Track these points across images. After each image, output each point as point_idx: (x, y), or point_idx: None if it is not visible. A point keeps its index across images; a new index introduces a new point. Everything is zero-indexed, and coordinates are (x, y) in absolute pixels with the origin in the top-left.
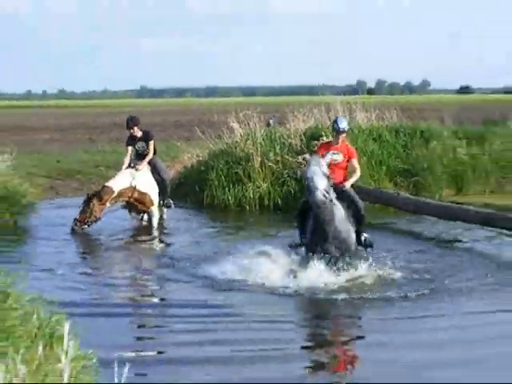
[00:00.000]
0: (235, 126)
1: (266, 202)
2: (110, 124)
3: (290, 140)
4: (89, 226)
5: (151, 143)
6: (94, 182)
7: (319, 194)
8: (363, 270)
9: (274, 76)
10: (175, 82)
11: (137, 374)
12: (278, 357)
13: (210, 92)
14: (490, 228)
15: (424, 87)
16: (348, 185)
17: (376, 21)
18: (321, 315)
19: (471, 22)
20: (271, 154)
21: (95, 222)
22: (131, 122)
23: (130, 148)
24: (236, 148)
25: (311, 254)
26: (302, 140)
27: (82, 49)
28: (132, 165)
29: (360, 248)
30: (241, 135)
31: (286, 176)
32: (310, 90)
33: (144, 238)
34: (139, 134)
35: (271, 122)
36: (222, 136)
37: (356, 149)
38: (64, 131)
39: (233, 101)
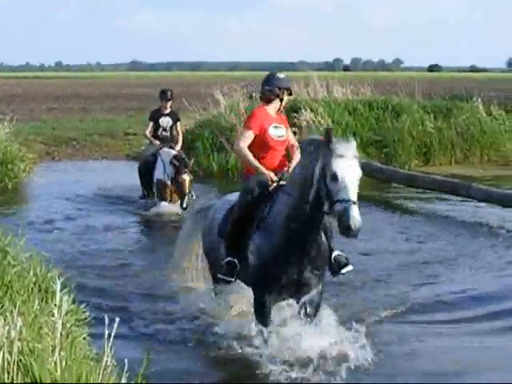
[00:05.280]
0: (220, 98)
1: None
2: (103, 95)
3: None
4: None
5: (179, 124)
6: (88, 148)
7: None
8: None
9: (258, 53)
10: (164, 57)
11: (126, 327)
12: None
13: (196, 66)
14: None
15: (397, 65)
16: None
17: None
18: None
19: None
20: None
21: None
22: (171, 94)
23: (151, 123)
24: (221, 119)
25: (265, 296)
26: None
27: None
28: (162, 146)
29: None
30: (225, 107)
31: None
32: (290, 66)
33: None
34: (168, 110)
35: (254, 94)
36: (208, 107)
37: (333, 122)
38: (60, 101)
39: (218, 75)
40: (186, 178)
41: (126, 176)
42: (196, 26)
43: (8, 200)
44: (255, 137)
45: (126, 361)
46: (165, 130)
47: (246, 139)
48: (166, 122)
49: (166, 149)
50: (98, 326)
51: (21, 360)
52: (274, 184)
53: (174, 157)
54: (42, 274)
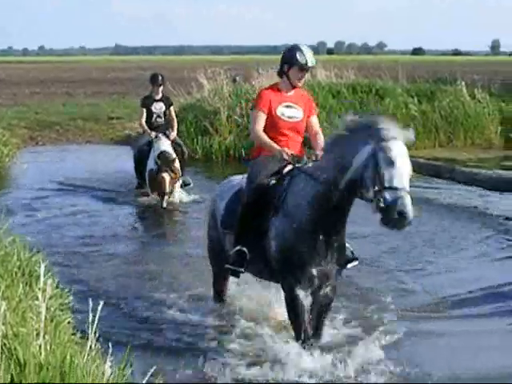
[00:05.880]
0: (204, 82)
1: (232, 153)
2: (87, 79)
3: (254, 95)
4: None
5: (173, 109)
6: (72, 133)
7: None
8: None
9: (241, 36)
10: (148, 40)
11: (110, 309)
12: None
13: (180, 50)
14: None
15: (380, 48)
16: None
17: None
18: None
19: None
20: (237, 109)
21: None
22: (162, 78)
23: (144, 109)
24: (204, 102)
25: (295, 287)
26: None
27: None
28: (157, 135)
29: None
30: (209, 91)
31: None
32: (275, 50)
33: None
34: (159, 95)
35: (237, 78)
36: (192, 91)
37: (316, 105)
38: (43, 86)
39: (202, 59)
40: (166, 176)
41: (110, 160)
42: (181, 9)
43: None
44: (266, 118)
45: (110, 344)
46: (159, 116)
47: (258, 121)
48: (158, 107)
49: (161, 138)
50: (83, 311)
51: (5, 344)
52: (290, 163)
53: (159, 154)
54: (26, 258)
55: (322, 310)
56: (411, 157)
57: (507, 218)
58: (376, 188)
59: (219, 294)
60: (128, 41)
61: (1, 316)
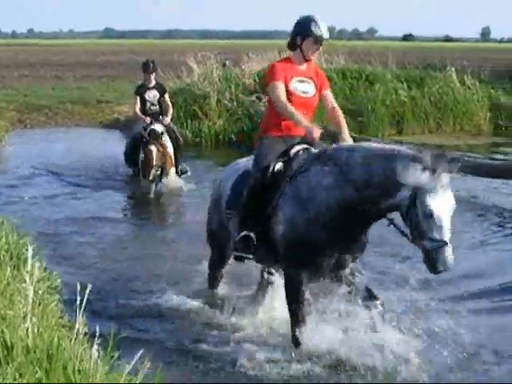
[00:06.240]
0: (194, 66)
1: (221, 138)
2: (76, 62)
3: (244, 80)
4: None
5: (167, 96)
6: (61, 116)
7: None
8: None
9: (232, 21)
10: (137, 24)
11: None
12: None
13: (171, 34)
14: None
15: (371, 34)
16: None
17: None
18: None
19: None
20: (227, 93)
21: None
22: (153, 65)
23: (137, 98)
24: (194, 87)
25: (300, 274)
26: (255, 80)
27: None
28: (152, 121)
29: None
30: (198, 75)
31: (240, 114)
32: (266, 35)
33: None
34: (153, 83)
35: (227, 62)
36: (181, 75)
37: None
38: (32, 69)
39: (192, 43)
40: (153, 148)
41: (98, 143)
42: None
43: None
44: None
45: (97, 328)
46: (153, 104)
47: (282, 92)
48: (152, 95)
49: (154, 124)
50: (70, 294)
51: None
52: (299, 144)
53: (149, 132)
54: (14, 241)
55: (353, 282)
56: (399, 142)
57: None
58: (416, 232)
59: (215, 279)
60: (117, 24)
61: None
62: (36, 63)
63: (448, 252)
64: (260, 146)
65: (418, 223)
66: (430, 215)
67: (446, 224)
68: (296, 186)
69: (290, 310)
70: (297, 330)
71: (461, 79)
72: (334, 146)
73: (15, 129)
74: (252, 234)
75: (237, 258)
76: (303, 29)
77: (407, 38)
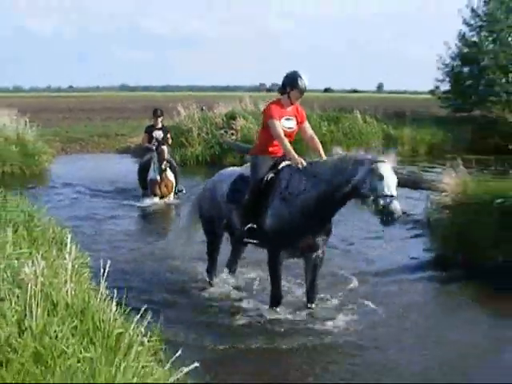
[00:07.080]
0: (181, 110)
1: (200, 159)
2: (101, 108)
3: (216, 119)
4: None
5: (169, 135)
6: (91, 145)
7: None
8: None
9: (204, 78)
10: (141, 81)
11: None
12: None
13: (163, 89)
14: None
15: None
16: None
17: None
18: None
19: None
20: (204, 128)
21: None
22: (161, 112)
23: (146, 134)
24: (181, 124)
25: (279, 253)
26: (223, 120)
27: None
28: (156, 145)
29: None
30: (184, 116)
31: (213, 142)
32: (227, 88)
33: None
34: (159, 125)
35: (204, 108)
36: (173, 117)
37: (257, 126)
38: (71, 113)
39: (178, 95)
40: (164, 148)
41: (115, 163)
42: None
43: (34, 181)
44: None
45: (115, 291)
46: (157, 140)
47: (280, 128)
48: (158, 134)
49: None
50: (96, 267)
51: (43, 290)
52: (284, 161)
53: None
54: (58, 231)
55: (315, 267)
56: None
57: None
58: (373, 196)
59: (213, 261)
60: (130, 81)
61: (40, 271)
62: (74, 109)
63: (396, 204)
64: (256, 161)
65: (374, 187)
66: (382, 177)
67: (393, 184)
68: (284, 189)
69: (270, 276)
70: (274, 288)
71: (363, 118)
72: (308, 161)
73: (60, 155)
74: (255, 226)
75: (243, 243)
76: (291, 81)
77: (327, 90)
